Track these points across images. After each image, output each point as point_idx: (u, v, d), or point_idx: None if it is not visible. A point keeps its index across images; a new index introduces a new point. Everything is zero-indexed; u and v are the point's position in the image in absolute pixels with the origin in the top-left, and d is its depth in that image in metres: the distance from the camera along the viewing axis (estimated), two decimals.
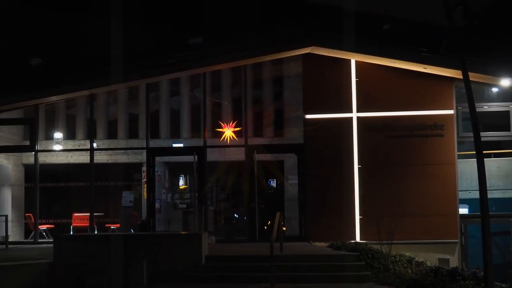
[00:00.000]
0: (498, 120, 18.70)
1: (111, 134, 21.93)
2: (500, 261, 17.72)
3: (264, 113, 20.38)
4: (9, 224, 18.76)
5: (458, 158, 18.31)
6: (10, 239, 18.65)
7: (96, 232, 19.31)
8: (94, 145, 19.91)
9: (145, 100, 20.06)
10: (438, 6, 13.38)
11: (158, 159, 20.11)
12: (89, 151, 19.64)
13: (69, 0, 21.86)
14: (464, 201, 18.36)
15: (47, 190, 20.56)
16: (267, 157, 19.70)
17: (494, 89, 18.86)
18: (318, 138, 18.42)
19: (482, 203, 13.08)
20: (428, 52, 18.01)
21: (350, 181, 18.22)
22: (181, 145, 20.90)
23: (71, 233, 19.83)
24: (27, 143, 20.18)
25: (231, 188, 21.00)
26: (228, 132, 19.38)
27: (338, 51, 18.41)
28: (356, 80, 18.49)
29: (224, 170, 20.82)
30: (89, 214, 19.53)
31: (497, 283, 13.10)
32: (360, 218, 18.05)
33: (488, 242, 12.95)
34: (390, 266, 14.51)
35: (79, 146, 21.35)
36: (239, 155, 19.24)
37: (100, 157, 20.44)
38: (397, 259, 15.03)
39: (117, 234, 18.33)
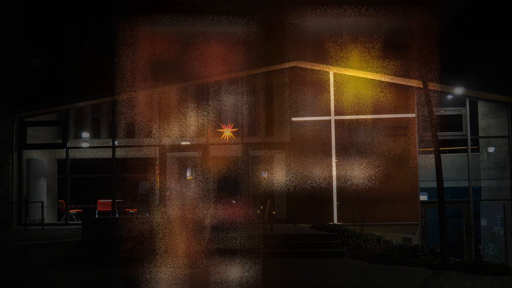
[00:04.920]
0: (452, 122, 18.69)
1: (130, 133, 21.81)
2: (453, 239, 17.74)
3: (257, 116, 20.28)
4: (45, 208, 18.68)
5: (418, 154, 18.30)
6: (45, 221, 18.64)
7: (117, 215, 19.21)
8: (116, 143, 19.81)
9: (158, 105, 19.96)
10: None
11: (169, 154, 20.02)
12: (111, 148, 19.54)
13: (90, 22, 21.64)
14: (424, 190, 18.34)
15: (76, 180, 20.45)
16: (260, 152, 19.65)
17: (449, 96, 18.84)
18: (302, 137, 18.37)
19: (439, 191, 13.08)
20: (394, 65, 17.97)
21: (329, 172, 18.16)
22: (188, 143, 20.81)
23: (96, 216, 19.72)
24: (60, 141, 20.08)
25: (229, 179, 20.85)
26: (227, 132, 19.29)
27: (319, 64, 18.38)
28: (333, 89, 18.43)
29: (224, 163, 20.70)
30: (111, 200, 19.45)
31: (451, 258, 13.07)
32: (337, 204, 17.99)
33: (444, 223, 12.95)
34: (362, 244, 14.48)
35: (103, 143, 21.27)
36: (236, 151, 19.17)
37: (120, 153, 20.32)
38: (368, 238, 15.01)
39: (134, 217, 18.26)
